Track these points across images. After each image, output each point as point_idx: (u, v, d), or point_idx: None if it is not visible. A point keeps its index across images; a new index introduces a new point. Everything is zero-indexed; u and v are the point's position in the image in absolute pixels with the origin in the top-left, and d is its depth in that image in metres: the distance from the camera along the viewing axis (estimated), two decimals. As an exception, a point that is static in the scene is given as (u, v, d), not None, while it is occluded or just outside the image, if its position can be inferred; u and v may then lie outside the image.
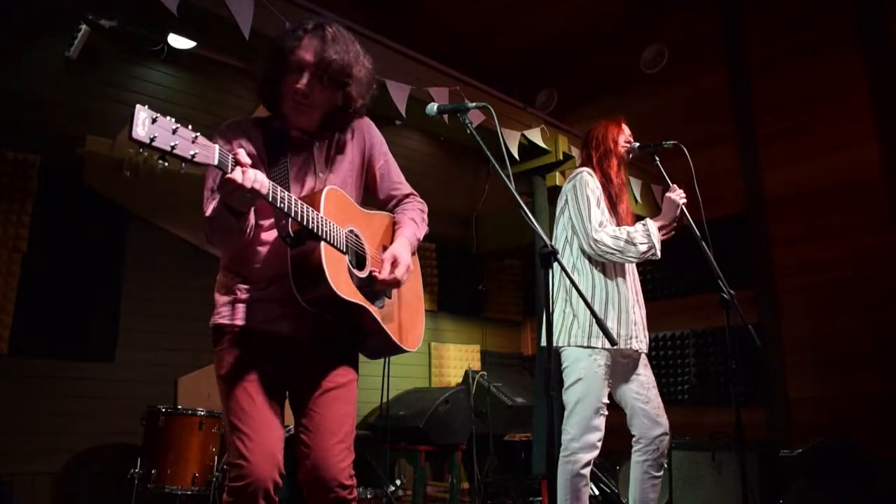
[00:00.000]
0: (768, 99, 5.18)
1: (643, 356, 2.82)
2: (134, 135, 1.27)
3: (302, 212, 1.59)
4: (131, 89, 4.35)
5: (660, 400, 2.75)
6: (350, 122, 1.89)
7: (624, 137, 2.86)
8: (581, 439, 2.56)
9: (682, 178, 2.85)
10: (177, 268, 4.35)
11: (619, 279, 2.74)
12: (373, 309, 1.76)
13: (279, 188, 1.55)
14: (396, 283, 1.80)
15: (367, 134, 1.98)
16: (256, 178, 1.46)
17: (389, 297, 1.89)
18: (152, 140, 1.30)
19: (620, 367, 2.74)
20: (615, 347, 2.65)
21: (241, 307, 1.75)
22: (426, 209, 2.07)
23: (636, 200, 5.00)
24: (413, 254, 1.92)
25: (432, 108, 2.07)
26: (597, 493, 4.16)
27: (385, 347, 1.89)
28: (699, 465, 3.71)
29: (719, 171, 5.10)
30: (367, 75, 1.84)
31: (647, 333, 2.81)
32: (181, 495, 3.39)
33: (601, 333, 2.54)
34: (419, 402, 4.35)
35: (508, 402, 5.02)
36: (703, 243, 2.57)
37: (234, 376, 1.69)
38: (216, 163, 1.40)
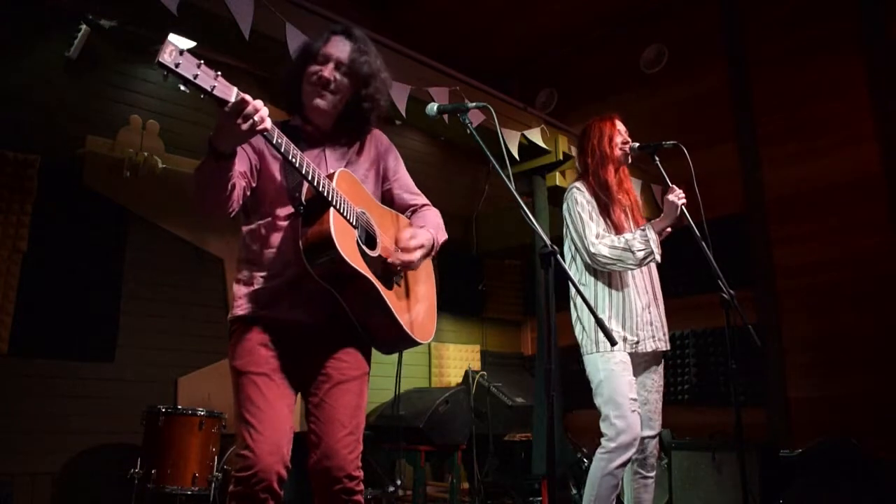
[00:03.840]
0: (768, 99, 5.18)
1: (661, 358, 2.83)
2: (160, 58, 1.33)
3: (313, 173, 1.63)
4: (131, 89, 4.35)
5: (659, 405, 2.77)
6: (364, 129, 1.95)
7: (620, 137, 2.86)
8: (618, 439, 2.55)
9: (682, 178, 2.84)
10: (177, 268, 4.35)
11: (627, 287, 2.74)
12: (380, 286, 1.76)
13: (293, 145, 1.60)
14: (409, 257, 1.80)
15: (381, 145, 2.03)
16: (266, 111, 1.51)
17: (399, 286, 1.89)
18: (177, 66, 1.35)
19: (635, 365, 2.75)
20: (625, 350, 2.67)
21: (257, 297, 1.78)
22: (442, 219, 2.08)
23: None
24: (430, 253, 1.94)
25: (432, 108, 2.07)
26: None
27: (394, 336, 1.88)
28: (699, 465, 3.72)
29: (719, 171, 5.09)
30: (386, 85, 1.95)
31: (665, 332, 2.81)
32: (181, 495, 3.39)
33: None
34: (419, 402, 4.35)
35: (508, 402, 5.02)
36: (703, 243, 2.57)
37: (246, 367, 1.72)
38: (233, 100, 1.46)
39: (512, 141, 4.17)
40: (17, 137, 3.82)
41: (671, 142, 2.77)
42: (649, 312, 2.75)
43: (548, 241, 1.73)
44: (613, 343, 1.79)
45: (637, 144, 2.86)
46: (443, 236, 2.01)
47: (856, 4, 4.81)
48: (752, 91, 5.28)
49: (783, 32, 5.15)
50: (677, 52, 5.82)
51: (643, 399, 2.73)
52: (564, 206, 2.85)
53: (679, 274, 5.41)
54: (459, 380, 5.63)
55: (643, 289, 2.77)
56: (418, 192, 2.10)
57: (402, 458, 4.32)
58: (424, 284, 2.04)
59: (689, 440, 3.97)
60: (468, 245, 6.04)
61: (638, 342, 2.69)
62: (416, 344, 1.92)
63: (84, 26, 3.99)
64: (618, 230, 2.76)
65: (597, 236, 2.71)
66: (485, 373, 5.26)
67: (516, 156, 4.27)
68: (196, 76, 1.38)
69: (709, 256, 2.53)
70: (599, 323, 1.76)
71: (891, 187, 4.47)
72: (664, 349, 2.77)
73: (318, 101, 1.83)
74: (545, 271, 1.75)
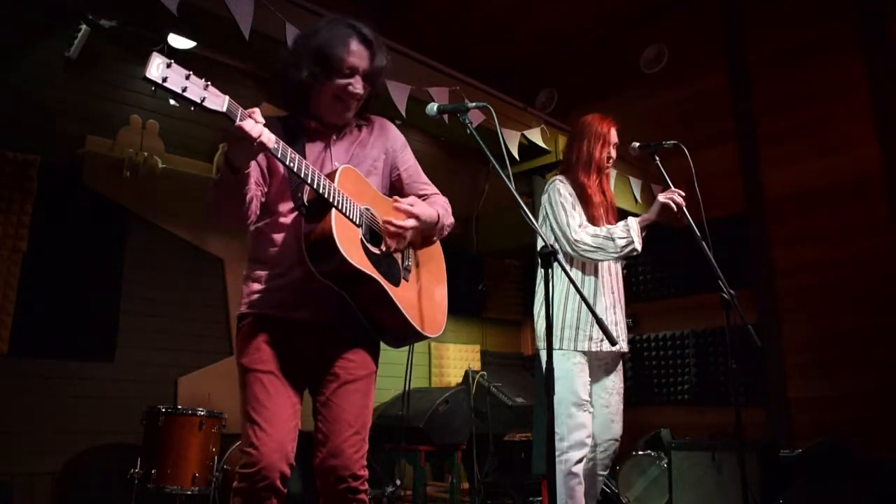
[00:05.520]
0: (768, 99, 5.18)
1: (620, 360, 2.88)
2: (147, 74, 1.32)
3: (313, 175, 1.63)
4: (131, 89, 4.34)
5: (620, 407, 2.82)
6: (365, 116, 1.95)
7: (609, 148, 2.88)
8: (569, 438, 2.61)
9: (682, 178, 2.85)
10: (177, 268, 4.35)
11: (596, 284, 2.78)
12: (386, 284, 1.77)
13: (290, 150, 1.60)
14: (401, 223, 1.80)
15: (391, 136, 2.03)
16: (264, 133, 1.51)
17: (408, 280, 1.89)
18: (164, 80, 1.35)
19: (594, 368, 2.79)
20: (589, 348, 2.72)
21: (263, 295, 1.79)
22: (450, 207, 2.09)
23: (636, 200, 5.00)
24: (436, 234, 1.97)
25: (432, 108, 2.08)
26: (597, 492, 4.15)
27: (403, 332, 1.89)
28: (699, 465, 3.71)
29: (719, 171, 5.09)
30: (385, 74, 1.94)
31: (626, 335, 2.87)
32: (181, 495, 3.38)
33: (572, 336, 2.69)
34: (419, 402, 4.35)
35: (508, 402, 5.01)
36: (703, 243, 2.57)
37: (252, 365, 1.74)
38: (224, 110, 1.46)
39: (512, 141, 4.17)
40: (17, 137, 3.81)
41: (671, 141, 2.78)
42: (614, 313, 2.80)
43: (548, 241, 1.73)
44: (613, 343, 1.78)
45: (637, 144, 2.86)
46: (449, 219, 2.02)
47: (856, 4, 4.81)
48: (752, 91, 5.28)
49: (783, 32, 5.14)
50: (677, 52, 5.82)
51: (604, 402, 2.78)
52: (545, 196, 2.88)
53: (679, 274, 5.41)
54: (459, 380, 5.62)
55: (609, 289, 2.81)
56: (427, 181, 2.10)
57: (402, 458, 4.31)
58: (434, 276, 2.05)
59: (689, 440, 3.97)
60: (468, 245, 6.04)
61: (602, 340, 2.72)
62: (425, 338, 1.93)
63: (84, 26, 3.99)
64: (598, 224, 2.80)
65: (579, 225, 2.74)
66: (485, 373, 5.25)
67: (516, 156, 4.27)
68: (185, 89, 1.38)
69: (709, 256, 2.53)
70: (599, 322, 1.76)
71: (891, 187, 4.47)
72: (624, 350, 2.84)
73: (347, 114, 1.85)
74: (545, 271, 1.75)
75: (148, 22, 3.26)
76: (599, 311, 2.73)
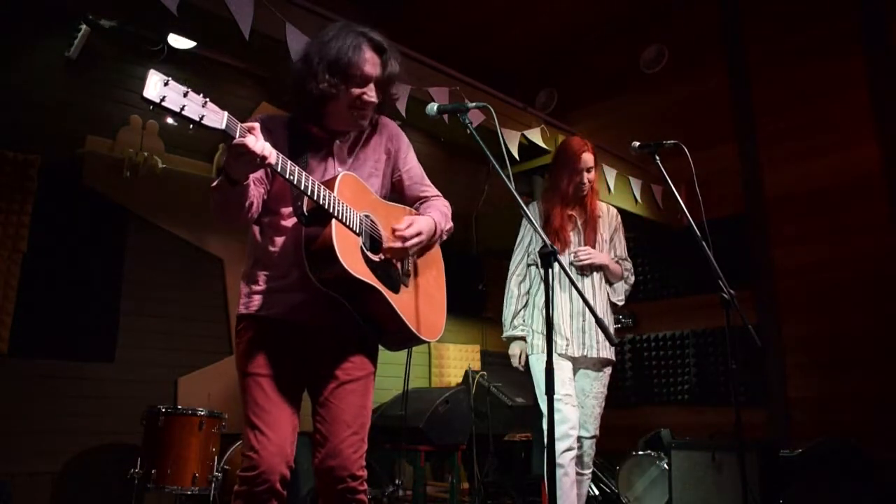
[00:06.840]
0: (768, 99, 5.17)
1: (604, 366, 3.00)
2: (146, 94, 1.32)
3: (313, 187, 1.63)
4: (131, 89, 4.34)
5: (596, 411, 2.95)
6: (375, 123, 1.94)
7: (583, 167, 2.97)
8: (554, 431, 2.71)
9: (682, 177, 2.85)
10: (177, 268, 4.35)
11: (566, 293, 2.93)
12: (386, 292, 1.77)
13: (290, 162, 1.60)
14: (401, 245, 1.82)
15: (395, 137, 2.02)
16: (266, 148, 1.51)
17: (407, 286, 1.90)
18: (163, 100, 1.34)
19: (574, 370, 2.94)
20: (555, 351, 2.89)
21: (262, 296, 1.79)
22: (450, 209, 2.09)
23: (636, 200, 4.99)
24: (435, 243, 1.99)
25: (432, 108, 2.08)
26: (596, 493, 4.16)
27: (402, 337, 1.89)
28: (699, 465, 3.71)
29: (719, 171, 5.09)
30: (400, 80, 1.93)
31: (597, 342, 2.97)
32: (181, 495, 3.39)
33: (540, 342, 2.94)
34: (419, 402, 4.35)
35: (508, 402, 5.01)
36: (704, 243, 2.57)
37: (252, 369, 1.75)
38: (223, 127, 1.44)
39: (512, 141, 4.16)
40: (17, 137, 3.81)
41: (671, 141, 2.77)
42: (583, 319, 2.91)
43: (548, 242, 1.73)
44: (613, 343, 1.80)
45: (637, 144, 2.86)
46: (447, 224, 2.02)
47: (856, 4, 4.81)
48: (752, 91, 5.27)
49: (783, 32, 5.14)
50: (677, 52, 5.82)
51: (580, 402, 2.90)
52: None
53: (679, 274, 5.41)
54: (459, 380, 5.62)
55: (576, 298, 2.93)
56: (429, 183, 2.10)
57: (402, 458, 4.31)
58: (434, 281, 2.05)
59: (689, 440, 3.97)
60: (468, 245, 6.03)
61: (568, 346, 2.87)
62: (423, 342, 1.94)
63: (84, 26, 3.99)
64: (562, 245, 2.98)
65: (517, 264, 3.11)
66: (485, 373, 5.25)
67: (516, 156, 4.27)
68: (183, 107, 1.37)
69: (709, 256, 2.53)
70: (599, 322, 1.78)
71: (891, 187, 4.47)
72: (602, 356, 2.94)
73: (362, 122, 1.85)
74: (545, 271, 1.76)
75: (148, 22, 3.26)
76: (564, 318, 2.90)
